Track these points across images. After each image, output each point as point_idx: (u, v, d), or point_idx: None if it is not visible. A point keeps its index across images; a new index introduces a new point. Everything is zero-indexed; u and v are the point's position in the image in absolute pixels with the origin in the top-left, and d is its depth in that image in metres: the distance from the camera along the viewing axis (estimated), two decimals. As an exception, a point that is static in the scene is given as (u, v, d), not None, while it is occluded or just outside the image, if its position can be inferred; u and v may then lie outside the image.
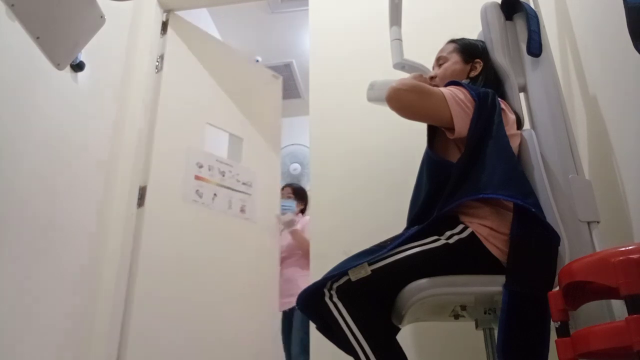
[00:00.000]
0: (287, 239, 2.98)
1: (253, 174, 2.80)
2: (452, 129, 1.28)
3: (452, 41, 1.56)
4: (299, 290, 1.42)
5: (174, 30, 2.65)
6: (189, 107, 2.62)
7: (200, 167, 2.55)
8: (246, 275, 2.54)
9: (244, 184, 2.72)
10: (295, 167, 4.37)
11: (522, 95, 1.49)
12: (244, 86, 2.96)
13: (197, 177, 2.52)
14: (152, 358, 2.09)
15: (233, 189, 2.66)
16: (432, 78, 1.52)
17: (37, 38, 1.39)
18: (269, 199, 2.86)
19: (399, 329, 1.34)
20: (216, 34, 3.79)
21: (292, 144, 4.44)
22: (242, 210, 2.66)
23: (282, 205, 2.94)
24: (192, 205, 2.45)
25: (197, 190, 2.49)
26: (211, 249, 2.45)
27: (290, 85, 4.53)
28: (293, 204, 3.07)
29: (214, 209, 2.53)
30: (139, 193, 2.30)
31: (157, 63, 2.56)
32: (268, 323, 2.56)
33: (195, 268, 2.35)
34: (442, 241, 1.21)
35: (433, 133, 1.40)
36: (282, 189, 3.15)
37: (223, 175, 2.64)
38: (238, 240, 2.59)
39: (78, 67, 1.97)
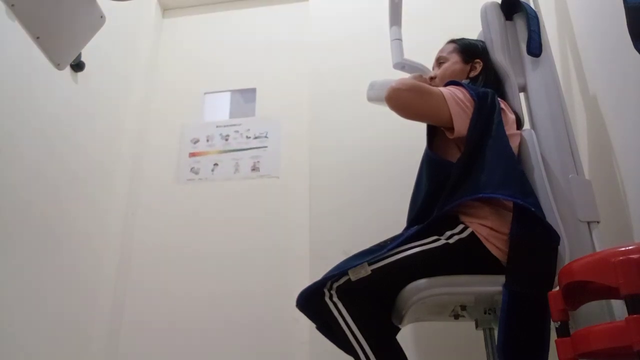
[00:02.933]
0: None
1: (269, 123, 2.48)
2: (451, 128, 1.28)
3: (452, 41, 1.56)
4: None
5: (169, 18, 2.63)
6: (183, 86, 2.57)
7: (196, 142, 2.48)
8: (260, 241, 2.24)
9: (256, 138, 2.46)
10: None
11: (522, 95, 1.49)
12: (259, 25, 2.70)
13: (191, 154, 2.46)
14: (153, 356, 2.10)
15: (240, 149, 2.46)
16: (432, 78, 1.52)
17: (37, 38, 1.39)
18: (293, 146, 2.40)
19: (399, 329, 1.34)
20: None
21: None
22: (255, 169, 2.40)
23: None
24: (186, 185, 2.38)
25: (192, 168, 2.42)
26: (214, 224, 2.30)
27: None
28: None
29: (214, 180, 2.39)
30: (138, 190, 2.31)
31: (157, 61, 2.56)
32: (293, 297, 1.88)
33: (197, 250, 2.26)
34: (442, 241, 1.21)
35: (433, 133, 1.40)
36: None
37: (227, 140, 2.48)
38: (248, 204, 2.33)
39: (78, 67, 1.97)
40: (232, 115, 2.59)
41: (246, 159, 2.44)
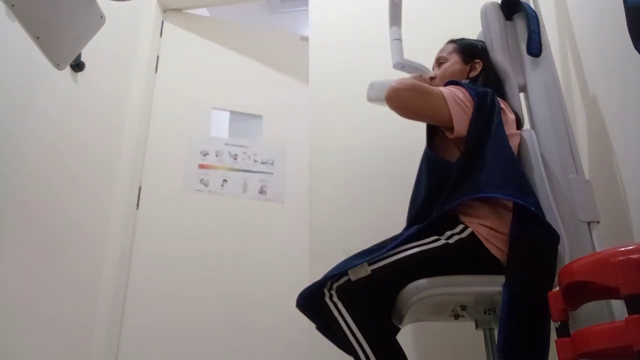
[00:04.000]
0: None
1: (275, 151, 2.61)
2: (451, 128, 1.28)
3: (452, 41, 1.56)
4: None
5: (172, 22, 2.64)
6: (191, 96, 2.58)
7: (205, 154, 2.51)
8: (268, 259, 2.37)
9: (262, 163, 2.58)
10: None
11: (522, 95, 1.49)
12: (263, 57, 2.78)
13: (201, 166, 2.48)
14: (152, 357, 2.10)
15: (249, 171, 2.54)
16: (431, 78, 1.52)
17: (37, 38, 1.39)
18: (297, 175, 2.56)
19: (399, 329, 1.34)
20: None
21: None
22: (262, 192, 2.53)
23: None
24: (195, 195, 2.41)
25: (201, 179, 2.45)
26: (222, 235, 2.37)
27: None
28: None
29: (224, 195, 2.45)
30: (139, 191, 2.31)
31: (157, 62, 2.56)
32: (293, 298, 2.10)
33: (202, 257, 2.30)
34: (442, 241, 1.21)
35: (432, 133, 1.40)
36: None
37: (235, 159, 2.55)
38: (256, 223, 2.44)
39: (78, 67, 1.97)
40: (234, 134, 2.68)
41: (254, 181, 2.54)
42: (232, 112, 2.71)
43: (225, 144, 2.58)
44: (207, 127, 2.58)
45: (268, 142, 2.64)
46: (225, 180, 2.50)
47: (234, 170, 2.53)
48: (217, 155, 2.54)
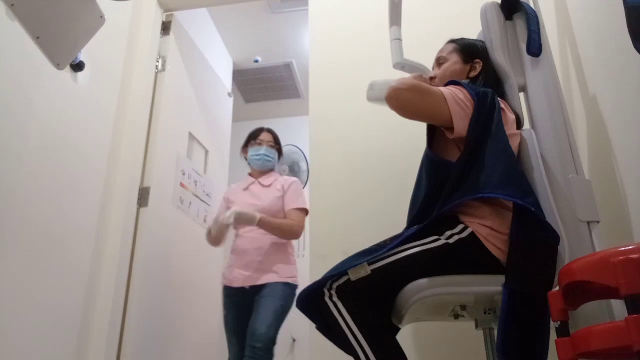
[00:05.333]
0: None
1: (214, 186, 2.93)
2: (451, 128, 1.28)
3: (452, 41, 1.56)
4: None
5: (175, 37, 2.67)
6: (178, 114, 2.66)
7: (184, 174, 2.63)
8: (202, 279, 2.67)
9: (207, 195, 2.85)
10: (284, 169, 4.32)
11: (522, 95, 1.49)
12: (211, 100, 3.07)
13: (181, 184, 2.60)
14: (150, 357, 2.10)
15: (200, 199, 2.78)
16: (432, 79, 1.52)
17: (37, 38, 1.39)
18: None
19: (399, 329, 1.34)
20: (216, 34, 3.78)
21: (286, 145, 4.42)
22: (205, 220, 2.77)
23: (266, 156, 2.37)
24: (177, 210, 2.53)
25: (180, 197, 2.57)
26: (186, 252, 2.58)
27: (290, 86, 4.52)
28: (275, 156, 2.41)
29: (189, 216, 2.63)
30: (140, 194, 2.31)
31: (158, 63, 2.56)
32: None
33: (179, 268, 2.48)
34: (442, 241, 1.21)
35: (433, 133, 1.40)
36: (259, 134, 2.44)
37: (196, 185, 2.74)
38: (201, 246, 2.66)
39: (78, 67, 1.97)
40: (196, 161, 2.86)
41: (202, 210, 2.75)
42: (197, 142, 2.88)
43: (193, 169, 2.73)
44: (185, 147, 2.69)
45: (210, 177, 2.90)
46: (190, 203, 2.65)
47: (195, 195, 2.71)
48: (188, 178, 2.66)
